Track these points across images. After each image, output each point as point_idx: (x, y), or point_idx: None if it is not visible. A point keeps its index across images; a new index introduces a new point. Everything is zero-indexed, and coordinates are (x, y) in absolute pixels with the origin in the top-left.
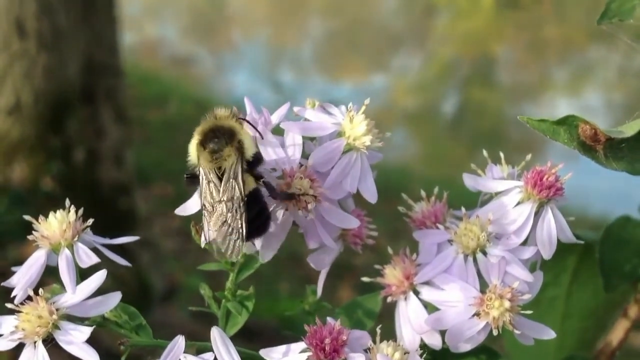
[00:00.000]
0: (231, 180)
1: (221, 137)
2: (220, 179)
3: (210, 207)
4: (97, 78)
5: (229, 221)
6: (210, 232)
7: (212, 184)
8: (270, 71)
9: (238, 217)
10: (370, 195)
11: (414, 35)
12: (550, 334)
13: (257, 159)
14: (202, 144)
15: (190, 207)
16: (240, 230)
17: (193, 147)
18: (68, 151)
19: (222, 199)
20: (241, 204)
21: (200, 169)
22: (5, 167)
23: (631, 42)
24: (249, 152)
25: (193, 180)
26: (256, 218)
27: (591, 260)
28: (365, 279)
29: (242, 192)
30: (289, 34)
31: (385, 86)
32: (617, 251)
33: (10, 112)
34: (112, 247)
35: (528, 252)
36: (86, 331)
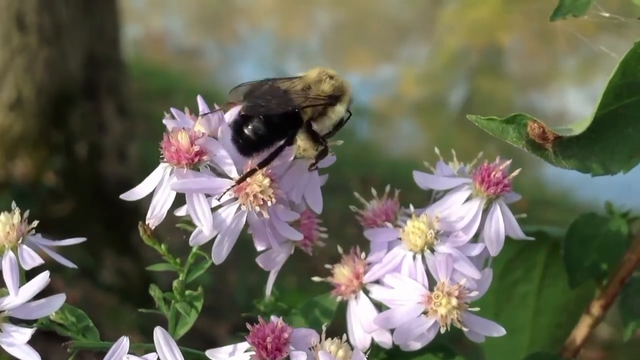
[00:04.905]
0: (310, 97)
1: (335, 82)
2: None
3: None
4: (99, 72)
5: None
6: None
7: (295, 84)
8: (276, 62)
9: (276, 105)
10: (316, 205)
11: (422, 25)
12: (500, 331)
13: (317, 133)
14: (324, 74)
15: (137, 193)
16: (266, 107)
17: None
18: (70, 146)
19: (285, 90)
20: (288, 107)
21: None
22: (7, 162)
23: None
24: (334, 116)
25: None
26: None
27: (561, 255)
28: (315, 278)
29: (300, 106)
30: (296, 25)
31: (392, 77)
32: (581, 247)
33: (12, 107)
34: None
35: (476, 250)
36: (27, 333)
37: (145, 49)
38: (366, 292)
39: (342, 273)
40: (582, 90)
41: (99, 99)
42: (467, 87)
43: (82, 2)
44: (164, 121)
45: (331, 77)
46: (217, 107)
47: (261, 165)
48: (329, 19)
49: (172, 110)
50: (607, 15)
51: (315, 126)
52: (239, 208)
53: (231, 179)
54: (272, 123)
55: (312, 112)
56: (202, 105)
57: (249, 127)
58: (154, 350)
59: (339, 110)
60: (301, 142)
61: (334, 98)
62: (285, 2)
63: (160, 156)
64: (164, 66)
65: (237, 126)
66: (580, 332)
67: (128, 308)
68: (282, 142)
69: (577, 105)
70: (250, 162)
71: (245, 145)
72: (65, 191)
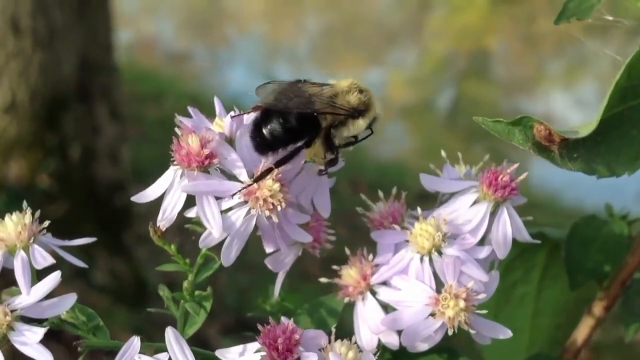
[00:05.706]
0: (331, 103)
1: (364, 97)
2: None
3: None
4: (93, 76)
5: (293, 97)
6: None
7: (324, 90)
8: (266, 66)
9: (295, 105)
10: (324, 209)
11: (409, 29)
12: (506, 333)
13: (333, 141)
14: (354, 86)
15: (148, 195)
16: (284, 105)
17: (345, 80)
18: (64, 148)
19: (310, 94)
20: (307, 109)
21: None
22: (2, 165)
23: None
24: (352, 129)
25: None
26: (284, 135)
27: (560, 257)
28: (323, 279)
29: (320, 111)
30: (285, 29)
31: (380, 81)
32: (582, 249)
33: (6, 111)
34: (70, 248)
35: (483, 252)
36: (40, 332)
37: (137, 53)
38: (373, 294)
39: (349, 274)
40: (567, 93)
41: (92, 103)
42: (455, 91)
43: (75, 6)
44: (179, 119)
45: (361, 91)
46: (236, 110)
47: (277, 164)
48: (318, 23)
49: (189, 109)
50: (610, 18)
51: (332, 134)
52: (248, 212)
53: (241, 182)
54: (290, 125)
55: (332, 120)
56: (218, 107)
57: (268, 126)
58: (164, 349)
59: (360, 124)
60: (316, 146)
61: (358, 111)
62: (275, 6)
63: (171, 159)
64: (155, 70)
65: (257, 124)
66: (581, 333)
67: (121, 308)
68: (300, 144)
69: (563, 108)
70: (264, 163)
71: (261, 144)
72: (59, 193)
